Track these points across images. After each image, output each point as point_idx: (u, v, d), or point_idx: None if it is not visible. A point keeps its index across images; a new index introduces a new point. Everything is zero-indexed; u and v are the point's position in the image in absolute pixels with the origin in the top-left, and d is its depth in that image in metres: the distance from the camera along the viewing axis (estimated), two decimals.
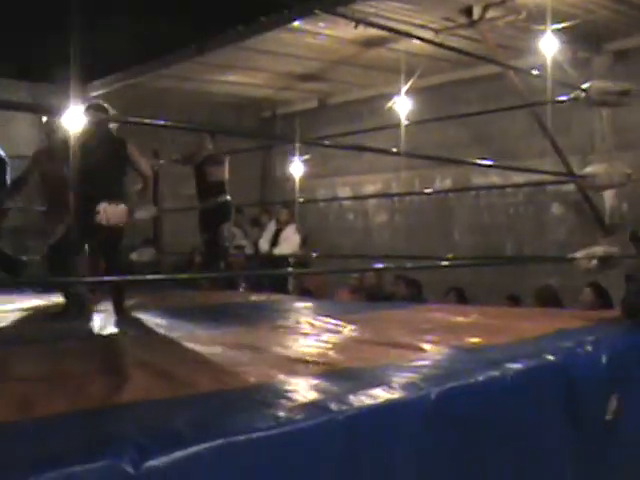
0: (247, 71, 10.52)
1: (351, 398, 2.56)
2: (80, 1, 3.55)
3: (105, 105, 6.01)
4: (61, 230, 5.81)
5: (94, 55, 9.48)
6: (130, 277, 5.95)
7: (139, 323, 5.04)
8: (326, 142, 9.22)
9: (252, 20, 8.45)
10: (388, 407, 2.59)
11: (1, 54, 9.12)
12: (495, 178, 10.00)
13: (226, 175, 8.08)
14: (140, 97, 10.13)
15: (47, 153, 6.77)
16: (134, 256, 9.90)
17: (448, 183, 10.70)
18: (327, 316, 5.11)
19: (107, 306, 5.77)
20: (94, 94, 9.80)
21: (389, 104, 9.08)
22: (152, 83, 10.53)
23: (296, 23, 8.29)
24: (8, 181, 7.38)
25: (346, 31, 8.51)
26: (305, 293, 8.87)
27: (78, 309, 5.48)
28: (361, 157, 10.93)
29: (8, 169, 7.45)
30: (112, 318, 5.36)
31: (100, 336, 4.64)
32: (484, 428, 2.96)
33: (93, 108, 5.93)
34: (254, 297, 6.91)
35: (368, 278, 9.31)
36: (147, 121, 3.82)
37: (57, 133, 6.39)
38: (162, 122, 3.67)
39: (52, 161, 6.47)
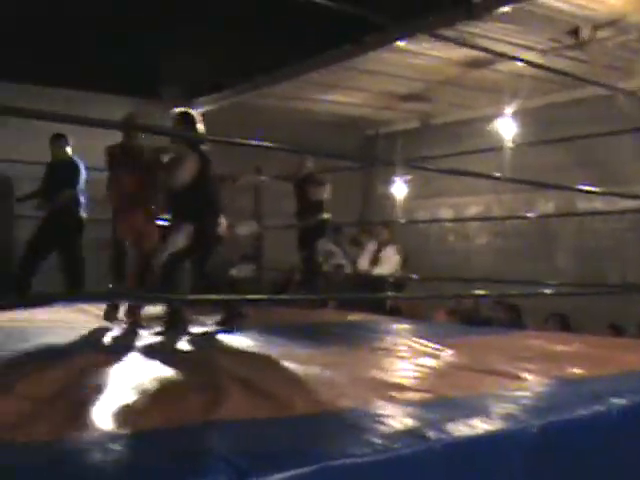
0: (350, 90, 10.56)
1: (449, 427, 2.52)
2: (188, 19, 3.63)
3: (192, 112, 6.07)
4: (180, 242, 5.80)
5: (200, 73, 9.73)
6: (223, 296, 5.99)
7: (237, 339, 5.08)
8: (426, 165, 9.17)
9: (356, 40, 8.48)
10: (487, 439, 2.53)
11: (107, 70, 9.38)
12: (599, 203, 9.75)
13: (326, 195, 8.11)
14: (243, 115, 10.29)
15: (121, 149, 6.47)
16: (234, 272, 10.05)
17: (551, 206, 10.49)
18: (425, 339, 5.06)
19: (206, 320, 5.87)
20: (199, 111, 10.00)
21: (492, 126, 8.98)
22: (256, 101, 10.68)
23: (400, 43, 8.28)
24: (80, 184, 7.67)
25: (450, 51, 8.47)
26: (395, 312, 8.79)
27: (179, 323, 5.58)
28: (463, 178, 10.81)
29: (82, 175, 7.72)
30: (210, 333, 5.44)
31: (198, 351, 4.71)
32: (587, 466, 2.86)
33: (183, 114, 6.02)
34: (351, 317, 6.89)
35: (465, 301, 9.20)
36: (242, 141, 3.82)
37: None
38: (256, 142, 3.72)
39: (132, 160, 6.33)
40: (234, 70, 9.82)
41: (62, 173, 7.78)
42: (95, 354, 4.23)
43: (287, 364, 3.95)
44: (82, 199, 7.77)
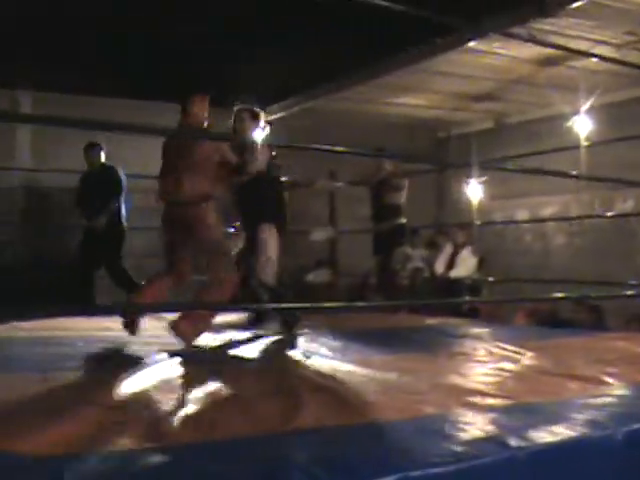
0: (422, 92, 10.52)
1: (532, 434, 2.48)
2: (257, 27, 3.64)
3: (257, 110, 6.02)
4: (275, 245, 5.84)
5: (271, 79, 9.79)
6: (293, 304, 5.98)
7: (313, 345, 5.09)
8: (503, 165, 9.06)
9: (427, 42, 8.43)
10: (572, 446, 2.48)
11: (176, 78, 9.50)
12: None
13: (403, 199, 8.08)
14: (317, 119, 10.34)
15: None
16: (310, 277, 10.10)
17: (630, 205, 10.25)
18: (504, 342, 4.99)
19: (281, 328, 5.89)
20: (272, 117, 10.06)
21: (568, 124, 8.81)
22: (328, 106, 10.71)
23: (471, 43, 8.21)
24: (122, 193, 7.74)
25: (522, 50, 8.36)
26: (473, 314, 8.68)
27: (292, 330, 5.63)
28: (539, 178, 10.63)
29: (123, 183, 7.81)
30: (289, 340, 5.45)
31: (274, 358, 4.73)
32: None
33: (249, 111, 5.95)
34: (428, 321, 6.84)
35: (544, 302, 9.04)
36: (315, 146, 3.81)
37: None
38: (328, 147, 3.70)
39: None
40: (305, 75, 9.85)
41: (103, 182, 7.88)
42: (172, 362, 4.28)
43: (364, 370, 3.94)
44: (123, 208, 7.88)
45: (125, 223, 7.89)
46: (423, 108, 11.39)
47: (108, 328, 5.88)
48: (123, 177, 7.86)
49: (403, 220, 8.07)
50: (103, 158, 7.96)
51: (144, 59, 8.56)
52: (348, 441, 2.44)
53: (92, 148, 7.91)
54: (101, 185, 7.85)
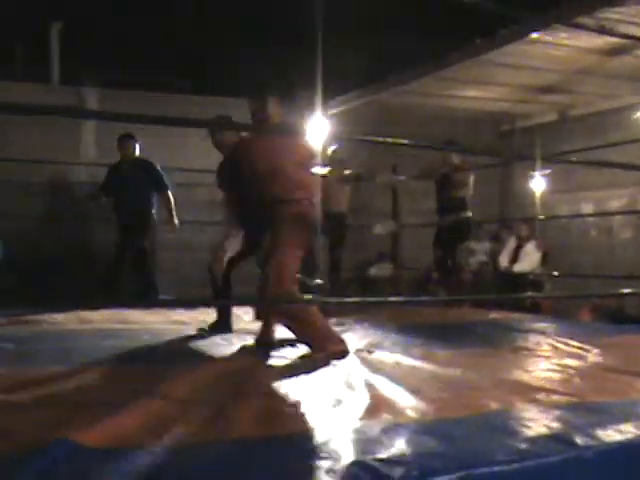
0: (485, 85, 10.39)
1: (599, 433, 2.44)
2: (320, 20, 3.61)
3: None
4: None
5: (333, 73, 9.79)
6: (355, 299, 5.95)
7: (376, 340, 5.07)
8: (569, 158, 8.92)
9: (490, 34, 8.34)
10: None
11: (234, 73, 9.55)
12: None
13: (469, 192, 8.02)
14: (380, 113, 10.30)
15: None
16: (372, 271, 10.08)
17: None
18: (568, 338, 4.93)
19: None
20: (333, 112, 10.06)
21: (635, 115, 8.64)
22: (392, 99, 10.66)
23: (535, 35, 8.08)
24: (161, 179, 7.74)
25: (588, 40, 8.19)
26: (535, 309, 8.57)
27: None
28: (605, 171, 10.45)
29: (158, 170, 7.80)
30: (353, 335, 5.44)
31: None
32: None
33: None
34: (492, 315, 6.78)
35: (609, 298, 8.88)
36: (378, 139, 3.79)
37: None
38: (390, 140, 3.70)
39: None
40: (369, 68, 9.83)
41: (136, 173, 7.88)
42: (237, 356, 4.31)
43: (427, 365, 3.92)
44: (154, 200, 7.94)
45: (155, 215, 7.98)
46: (487, 101, 11.25)
47: (176, 321, 5.97)
48: (163, 172, 7.88)
49: (468, 214, 8.01)
50: (137, 151, 7.97)
51: (211, 56, 8.63)
52: (411, 438, 2.43)
53: (128, 139, 7.90)
54: (138, 178, 7.85)
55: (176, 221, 7.84)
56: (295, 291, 4.60)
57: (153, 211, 7.93)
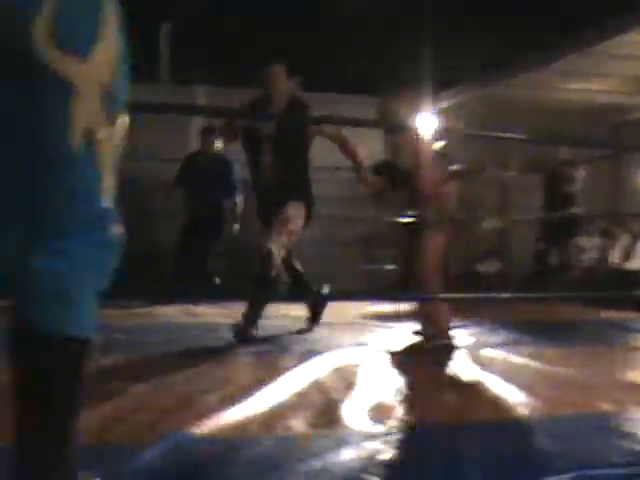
0: (596, 77, 10.13)
1: None
2: (431, 16, 3.61)
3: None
4: None
5: (444, 67, 9.73)
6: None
7: (485, 337, 5.02)
8: None
9: (600, 24, 8.13)
10: None
11: (349, 71, 9.59)
12: None
13: (578, 187, 7.84)
14: (488, 107, 10.17)
15: None
16: (480, 267, 9.97)
17: None
18: None
19: None
20: (442, 106, 9.98)
21: None
22: (497, 93, 10.51)
23: None
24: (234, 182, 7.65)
25: None
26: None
27: None
28: None
29: (234, 171, 7.74)
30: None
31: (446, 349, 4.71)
32: None
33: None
34: (604, 314, 6.61)
35: None
36: (488, 133, 3.77)
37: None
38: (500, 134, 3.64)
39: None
40: (478, 62, 9.73)
41: (214, 168, 7.82)
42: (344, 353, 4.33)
43: (536, 364, 3.87)
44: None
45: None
46: (596, 93, 10.97)
47: (285, 316, 6.03)
48: (235, 165, 7.79)
49: (577, 209, 7.83)
50: (218, 146, 7.82)
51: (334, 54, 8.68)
52: (523, 437, 2.41)
53: (210, 133, 7.81)
54: (213, 173, 7.82)
55: (236, 226, 7.84)
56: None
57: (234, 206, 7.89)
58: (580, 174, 7.87)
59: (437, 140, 5.74)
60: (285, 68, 5.22)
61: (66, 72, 1.37)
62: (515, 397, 2.98)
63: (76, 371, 1.47)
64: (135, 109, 1.78)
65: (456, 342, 4.47)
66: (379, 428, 2.48)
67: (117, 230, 1.50)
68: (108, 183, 1.48)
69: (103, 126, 1.44)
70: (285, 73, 5.21)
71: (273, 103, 5.10)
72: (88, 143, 1.41)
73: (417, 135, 5.04)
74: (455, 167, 5.12)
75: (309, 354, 4.07)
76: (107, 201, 1.47)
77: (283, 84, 5.15)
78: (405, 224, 5.31)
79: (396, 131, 5.54)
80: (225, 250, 8.08)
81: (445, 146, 5.99)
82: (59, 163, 1.40)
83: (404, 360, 4.11)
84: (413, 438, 2.41)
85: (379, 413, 2.69)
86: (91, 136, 1.41)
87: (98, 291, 1.47)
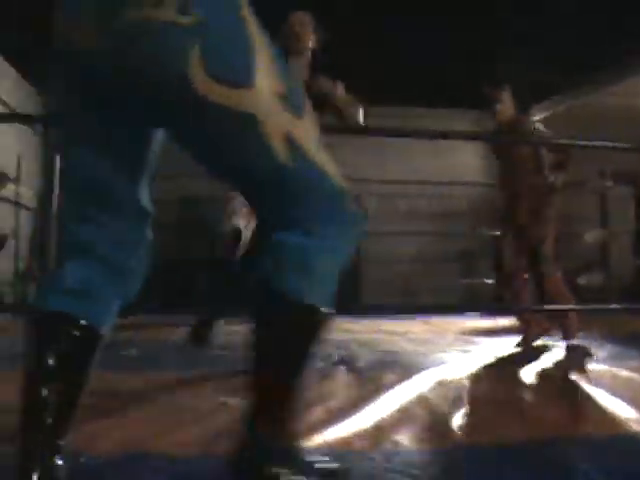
0: None
1: None
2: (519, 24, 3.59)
3: None
4: None
5: (536, 77, 9.60)
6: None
7: (590, 350, 4.93)
8: None
9: None
10: None
11: (447, 86, 9.56)
12: None
13: None
14: (581, 117, 10.00)
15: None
16: (582, 280, 9.78)
17: None
18: None
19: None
20: (537, 118, 9.86)
21: None
22: (593, 102, 10.33)
23: None
24: None
25: None
26: None
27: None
28: None
29: None
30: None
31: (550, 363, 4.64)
32: None
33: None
34: None
35: None
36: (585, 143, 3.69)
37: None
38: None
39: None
40: (570, 72, 9.58)
41: None
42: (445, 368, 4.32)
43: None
44: None
45: None
46: None
47: (385, 331, 6.03)
48: None
49: None
50: None
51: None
52: (633, 452, 2.36)
53: None
54: None
55: None
56: None
57: None
58: None
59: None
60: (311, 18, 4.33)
61: (240, 105, 1.49)
62: (625, 412, 2.93)
63: (309, 338, 1.65)
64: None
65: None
66: (485, 442, 2.48)
67: (354, 208, 1.65)
68: (329, 165, 1.63)
69: (295, 124, 1.57)
70: (311, 24, 4.30)
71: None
72: (292, 146, 1.56)
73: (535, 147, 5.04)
74: (557, 179, 5.03)
75: (412, 369, 4.08)
76: (337, 181, 1.64)
77: (308, 38, 4.25)
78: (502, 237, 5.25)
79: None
80: None
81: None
82: (279, 176, 1.57)
83: (508, 374, 4.08)
84: (524, 452, 2.39)
85: (485, 428, 2.68)
86: (290, 140, 1.55)
87: (341, 268, 1.65)
